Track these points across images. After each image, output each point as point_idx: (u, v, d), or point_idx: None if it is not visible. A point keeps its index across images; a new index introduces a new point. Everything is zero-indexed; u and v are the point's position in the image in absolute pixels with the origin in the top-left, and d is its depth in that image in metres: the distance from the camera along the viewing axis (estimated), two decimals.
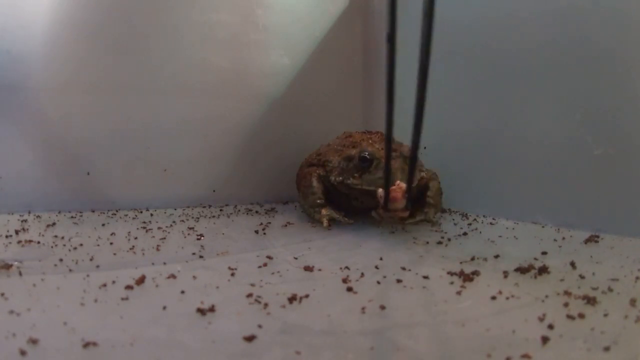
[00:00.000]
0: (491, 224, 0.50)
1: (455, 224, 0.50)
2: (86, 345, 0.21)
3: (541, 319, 0.24)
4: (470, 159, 0.57)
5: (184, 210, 0.59)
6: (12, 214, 0.51)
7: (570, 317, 0.25)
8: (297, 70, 0.68)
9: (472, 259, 0.36)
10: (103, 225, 0.48)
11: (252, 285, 0.30)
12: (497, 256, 0.37)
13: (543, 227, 0.48)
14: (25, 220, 0.48)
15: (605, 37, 0.45)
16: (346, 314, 0.26)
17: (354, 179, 0.47)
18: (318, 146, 0.60)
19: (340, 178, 0.48)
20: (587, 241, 0.41)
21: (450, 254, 0.38)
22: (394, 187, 0.38)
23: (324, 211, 0.50)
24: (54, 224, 0.47)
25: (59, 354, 0.21)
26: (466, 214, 0.55)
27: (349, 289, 0.29)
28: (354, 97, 0.75)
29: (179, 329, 0.23)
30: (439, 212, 0.52)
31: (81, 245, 0.39)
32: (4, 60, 0.52)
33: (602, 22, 0.45)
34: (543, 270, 0.33)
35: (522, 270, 0.33)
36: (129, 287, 0.29)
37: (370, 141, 0.51)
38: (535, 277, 0.32)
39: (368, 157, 0.45)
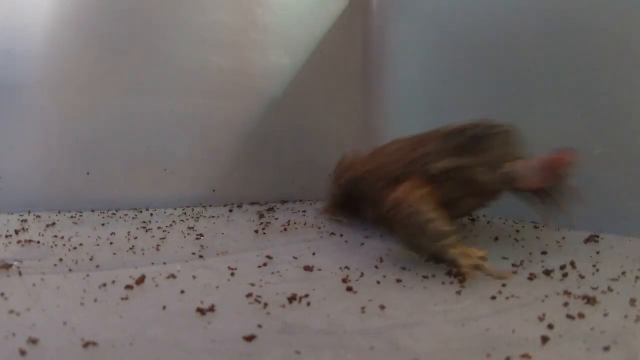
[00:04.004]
0: (489, 222, 0.50)
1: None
2: (86, 345, 0.21)
3: (541, 319, 0.24)
4: None
5: (184, 210, 0.59)
6: (12, 214, 0.51)
7: (570, 317, 0.25)
8: (297, 70, 0.68)
9: None
10: (103, 225, 0.48)
11: (252, 285, 0.30)
12: (497, 256, 0.37)
13: (543, 227, 0.48)
14: (25, 220, 0.48)
15: (605, 37, 0.45)
16: (346, 314, 0.26)
17: (472, 159, 0.36)
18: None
19: (448, 162, 0.36)
20: (587, 241, 0.42)
21: None
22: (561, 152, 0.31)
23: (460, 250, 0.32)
24: (54, 224, 0.47)
25: (59, 354, 0.21)
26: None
27: (349, 289, 0.29)
28: (354, 97, 0.75)
29: (179, 329, 0.23)
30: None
31: (81, 245, 0.39)
32: (4, 60, 0.52)
33: (603, 22, 0.45)
34: (543, 270, 0.33)
35: (522, 270, 0.33)
36: (129, 287, 0.29)
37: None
38: (535, 277, 0.32)
39: (478, 132, 0.36)
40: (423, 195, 0.35)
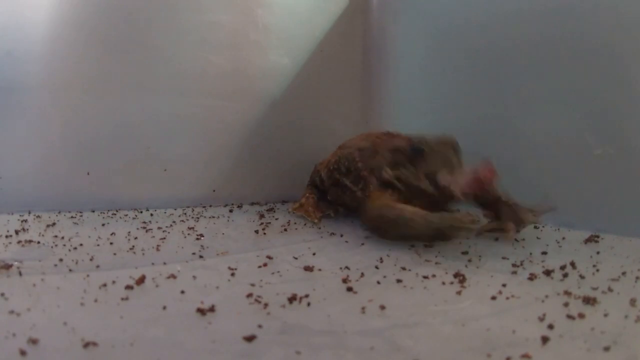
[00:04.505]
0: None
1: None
2: (86, 345, 0.21)
3: (541, 319, 0.24)
4: (470, 158, 0.57)
5: (184, 210, 0.59)
6: (12, 214, 0.51)
7: (570, 317, 0.25)
8: (297, 70, 0.68)
9: (472, 259, 0.36)
10: (103, 225, 0.48)
11: (252, 285, 0.30)
12: (497, 256, 0.37)
13: (543, 227, 0.48)
14: (25, 220, 0.48)
15: (605, 36, 0.45)
16: (346, 314, 0.26)
17: (411, 169, 0.42)
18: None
19: (391, 172, 0.44)
20: (587, 241, 0.42)
21: (450, 254, 0.38)
22: (483, 167, 0.36)
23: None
24: (54, 224, 0.47)
25: (59, 354, 0.21)
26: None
27: (349, 289, 0.29)
28: (354, 97, 0.75)
29: (179, 329, 0.23)
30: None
31: (81, 245, 0.39)
32: (4, 60, 0.52)
33: (603, 22, 0.45)
34: (543, 270, 0.33)
35: (522, 270, 0.33)
36: (129, 287, 0.29)
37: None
38: (535, 277, 0.32)
39: (418, 146, 0.42)
40: (394, 199, 0.42)
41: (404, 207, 0.40)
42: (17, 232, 0.43)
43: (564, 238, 0.43)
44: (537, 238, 0.43)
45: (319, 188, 0.58)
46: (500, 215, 0.44)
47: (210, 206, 0.62)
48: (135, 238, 0.42)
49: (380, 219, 0.41)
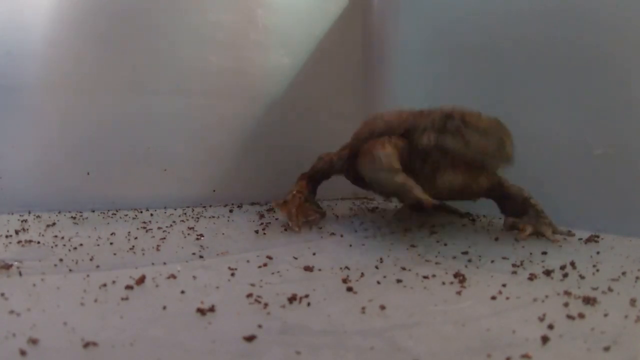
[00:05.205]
0: (489, 222, 0.50)
1: (455, 224, 0.50)
2: (86, 345, 0.21)
3: (541, 319, 0.24)
4: None
5: (184, 210, 0.59)
6: (12, 214, 0.51)
7: (570, 317, 0.25)
8: (297, 70, 0.68)
9: (472, 259, 0.36)
10: (103, 225, 0.48)
11: (252, 285, 0.30)
12: (497, 256, 0.37)
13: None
14: (25, 220, 0.48)
15: (606, 37, 0.45)
16: (346, 314, 0.26)
17: (456, 142, 0.39)
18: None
19: (435, 140, 0.41)
20: (587, 241, 0.42)
21: (450, 254, 0.38)
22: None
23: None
24: (54, 224, 0.47)
25: (59, 354, 0.21)
26: (466, 214, 0.55)
27: (349, 289, 0.29)
28: (354, 97, 0.75)
29: (179, 329, 0.23)
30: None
31: (81, 245, 0.39)
32: (4, 60, 0.52)
33: (603, 22, 0.45)
34: (543, 270, 0.33)
35: (522, 270, 0.33)
36: (129, 287, 0.29)
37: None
38: (535, 277, 0.32)
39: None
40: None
41: None
42: (17, 232, 0.43)
43: (564, 238, 0.43)
44: (537, 238, 0.43)
45: (321, 173, 0.55)
46: (524, 215, 0.44)
47: (210, 206, 0.62)
48: (135, 238, 0.42)
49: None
